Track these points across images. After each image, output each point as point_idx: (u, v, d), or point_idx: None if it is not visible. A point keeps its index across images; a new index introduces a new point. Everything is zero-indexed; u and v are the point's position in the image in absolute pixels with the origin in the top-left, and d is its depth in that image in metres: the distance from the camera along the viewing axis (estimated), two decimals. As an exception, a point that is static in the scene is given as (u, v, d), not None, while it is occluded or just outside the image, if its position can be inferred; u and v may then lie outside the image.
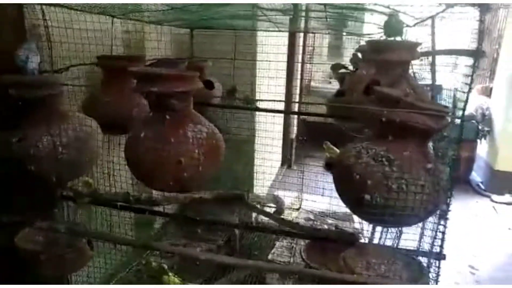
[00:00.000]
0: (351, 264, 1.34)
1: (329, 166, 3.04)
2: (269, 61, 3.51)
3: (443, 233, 1.12)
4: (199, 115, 1.39)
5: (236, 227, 2.78)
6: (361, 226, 3.32)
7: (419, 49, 1.65)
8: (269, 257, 2.78)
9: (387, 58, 1.65)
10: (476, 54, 1.00)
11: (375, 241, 2.27)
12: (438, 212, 1.14)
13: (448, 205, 1.11)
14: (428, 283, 1.23)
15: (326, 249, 2.67)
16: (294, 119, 6.30)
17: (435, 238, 1.17)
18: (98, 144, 1.58)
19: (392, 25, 1.60)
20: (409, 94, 1.20)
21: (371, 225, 3.07)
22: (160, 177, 1.25)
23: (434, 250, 1.18)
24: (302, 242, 2.80)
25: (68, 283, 1.87)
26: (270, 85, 3.78)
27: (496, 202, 5.09)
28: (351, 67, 2.96)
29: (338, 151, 3.00)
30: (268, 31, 3.44)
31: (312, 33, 3.80)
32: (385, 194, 1.08)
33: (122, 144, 2.47)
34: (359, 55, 2.80)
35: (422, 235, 1.35)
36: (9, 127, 1.39)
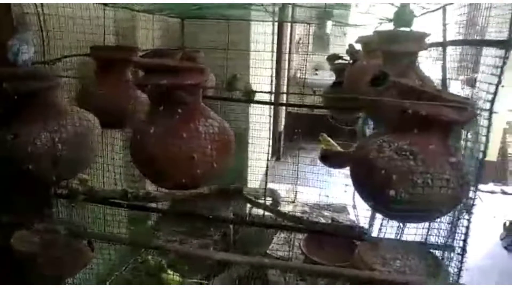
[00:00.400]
0: (367, 260, 1.31)
1: (325, 158, 3.02)
2: (262, 51, 3.44)
3: (467, 227, 1.10)
4: (209, 108, 1.32)
5: (235, 222, 2.74)
6: (357, 218, 3.33)
7: (427, 40, 1.62)
8: (268, 251, 2.75)
9: (396, 49, 1.62)
10: (507, 44, 0.97)
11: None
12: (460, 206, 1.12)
13: (473, 199, 1.08)
14: (447, 278, 1.22)
15: (324, 242, 2.67)
16: (282, 111, 6.27)
17: (455, 232, 1.14)
18: (97, 139, 1.49)
19: (403, 16, 1.56)
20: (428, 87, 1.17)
21: (367, 218, 3.08)
22: (171, 174, 1.18)
23: (456, 245, 1.16)
24: (300, 235, 2.78)
25: (65, 283, 1.79)
26: (262, 76, 3.72)
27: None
28: (346, 58, 2.94)
29: (334, 143, 2.98)
30: (257, 21, 3.36)
31: (306, 23, 3.73)
32: (410, 189, 1.05)
33: (116, 138, 2.42)
34: (356, 46, 2.78)
35: (437, 228, 1.33)
36: (3, 123, 1.29)
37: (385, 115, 1.39)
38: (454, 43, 1.55)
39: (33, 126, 1.29)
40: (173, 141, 1.16)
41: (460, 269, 1.14)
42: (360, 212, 3.45)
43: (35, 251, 1.38)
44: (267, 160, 2.80)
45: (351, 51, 2.77)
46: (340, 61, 2.96)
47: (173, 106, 1.20)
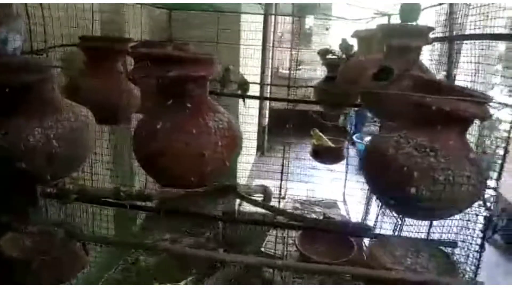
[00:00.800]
0: (379, 258, 1.28)
1: (316, 153, 3.00)
2: (252, 44, 3.38)
3: (486, 224, 1.09)
4: (216, 102, 1.26)
5: (229, 221, 2.67)
6: (348, 214, 3.33)
7: (431, 34, 1.60)
8: (262, 248, 2.71)
9: (401, 43, 1.59)
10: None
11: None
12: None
13: (496, 196, 1.07)
14: (458, 276, 1.21)
15: (318, 238, 2.65)
16: (266, 106, 6.23)
17: (471, 229, 1.13)
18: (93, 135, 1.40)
19: (409, 10, 1.54)
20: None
21: (360, 213, 3.09)
22: (180, 173, 1.11)
23: (474, 242, 1.14)
24: (294, 232, 2.75)
25: None
26: (252, 68, 3.67)
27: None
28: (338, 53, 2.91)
29: (326, 138, 2.96)
30: (245, 13, 3.30)
31: (291, 16, 3.69)
32: (431, 186, 1.02)
33: (105, 132, 2.31)
34: (349, 41, 2.76)
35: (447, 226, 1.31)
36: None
37: (395, 110, 1.36)
38: (460, 37, 1.54)
39: (26, 121, 1.19)
40: (182, 137, 1.09)
41: (477, 267, 1.13)
42: (350, 207, 3.46)
43: (28, 256, 1.28)
44: (249, 154, 2.76)
45: (344, 45, 2.75)
46: (331, 56, 2.94)
47: (181, 99, 1.13)
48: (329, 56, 2.96)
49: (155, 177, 1.21)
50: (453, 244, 1.53)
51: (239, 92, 2.38)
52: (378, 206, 2.42)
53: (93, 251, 1.97)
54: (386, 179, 1.11)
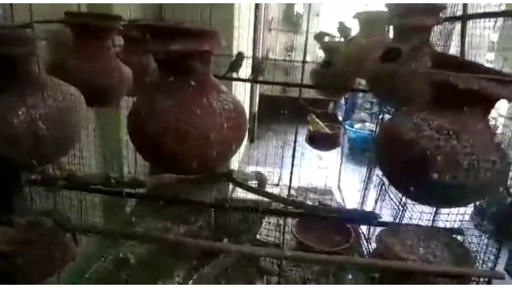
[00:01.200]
0: (391, 246, 1.22)
1: (312, 139, 2.93)
2: (245, 28, 3.25)
3: (508, 211, 1.03)
4: (218, 81, 1.16)
5: (222, 208, 2.59)
6: (343, 201, 3.29)
7: (442, 14, 1.53)
8: (258, 236, 2.64)
9: (410, 23, 1.51)
10: None
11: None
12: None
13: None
14: (474, 265, 1.15)
15: (315, 225, 2.59)
16: (257, 92, 6.13)
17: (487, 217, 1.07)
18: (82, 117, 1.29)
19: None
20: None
21: (356, 201, 3.04)
22: (182, 157, 1.01)
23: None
24: (290, 219, 2.69)
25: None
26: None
27: None
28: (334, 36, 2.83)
29: (322, 124, 2.89)
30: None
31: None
32: (455, 172, 0.95)
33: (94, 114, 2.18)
34: (347, 23, 2.66)
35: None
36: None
37: (410, 91, 1.29)
38: (473, 16, 1.46)
39: (9, 100, 1.07)
40: (185, 118, 0.99)
41: (497, 256, 1.08)
42: (345, 194, 3.42)
43: (15, 248, 1.17)
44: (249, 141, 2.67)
45: (341, 28, 2.66)
46: (329, 39, 2.84)
47: (183, 77, 1.03)
48: (326, 39, 2.87)
49: (154, 163, 1.11)
50: (460, 231, 1.49)
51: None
52: (376, 193, 2.38)
53: (82, 241, 1.87)
54: (404, 165, 1.03)
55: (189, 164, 1.03)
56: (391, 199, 2.13)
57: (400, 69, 1.51)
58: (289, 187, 2.96)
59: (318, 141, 2.83)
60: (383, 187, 2.27)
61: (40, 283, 1.26)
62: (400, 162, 1.04)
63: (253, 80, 2.56)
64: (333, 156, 4.35)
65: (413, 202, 1.90)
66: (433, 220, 1.64)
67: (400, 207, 2.00)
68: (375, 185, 2.51)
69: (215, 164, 1.08)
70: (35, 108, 1.10)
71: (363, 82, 3.15)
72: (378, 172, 2.57)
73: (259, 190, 2.24)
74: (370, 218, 1.55)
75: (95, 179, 1.72)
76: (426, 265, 1.05)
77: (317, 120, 2.85)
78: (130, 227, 2.67)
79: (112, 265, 2.22)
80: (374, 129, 5.71)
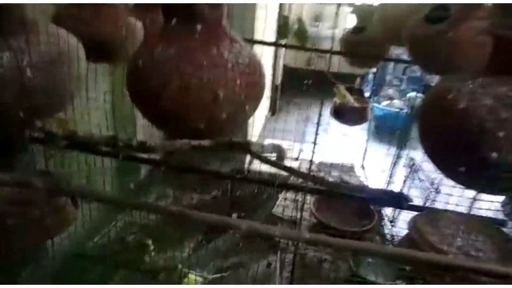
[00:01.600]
0: (426, 235, 1.05)
1: (338, 112, 2.72)
2: None
3: None
4: (232, 31, 0.98)
5: (240, 180, 2.47)
6: (366, 180, 3.11)
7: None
8: (273, 210, 2.51)
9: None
10: None
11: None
12: None
13: None
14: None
15: (335, 204, 2.43)
16: (280, 64, 5.87)
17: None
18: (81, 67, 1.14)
19: None
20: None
21: (380, 180, 2.85)
22: (186, 117, 0.86)
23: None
24: (309, 196, 2.54)
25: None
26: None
27: None
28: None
29: (350, 97, 2.67)
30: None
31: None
32: (520, 150, 0.76)
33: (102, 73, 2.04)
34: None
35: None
36: None
37: (463, 55, 1.08)
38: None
39: (-9, 42, 0.93)
40: (189, 70, 0.83)
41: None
42: (369, 173, 3.23)
43: (5, 209, 1.07)
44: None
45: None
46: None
47: (188, 20, 0.85)
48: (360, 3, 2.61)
49: (154, 122, 0.97)
50: (502, 222, 1.30)
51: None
52: (406, 174, 2.18)
53: (88, 205, 1.78)
54: (455, 140, 0.84)
55: (194, 126, 0.87)
56: (422, 180, 1.94)
57: (448, 30, 1.28)
58: (311, 162, 2.79)
59: (344, 115, 2.62)
60: (413, 167, 2.08)
61: (32, 246, 1.16)
62: (449, 137, 0.85)
63: (279, 44, 2.35)
64: (358, 133, 4.14)
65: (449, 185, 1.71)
66: (471, 207, 1.44)
67: (431, 189, 1.80)
68: (404, 165, 2.31)
69: (225, 128, 0.92)
70: (21, 52, 0.96)
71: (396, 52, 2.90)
72: (408, 151, 2.37)
73: (278, 163, 2.09)
74: (401, 201, 1.37)
75: (100, 140, 1.60)
76: (472, 261, 0.89)
77: (345, 91, 2.64)
78: (142, 193, 2.59)
79: (121, 231, 2.15)
80: (402, 106, 5.44)
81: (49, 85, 1.00)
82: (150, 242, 1.78)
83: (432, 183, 1.81)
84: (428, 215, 1.14)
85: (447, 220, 1.13)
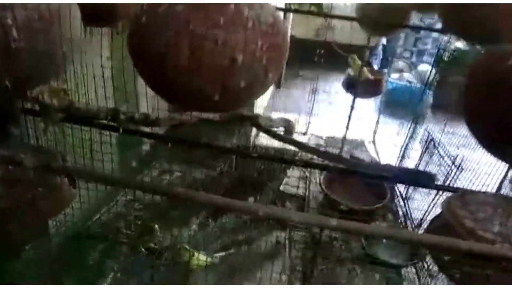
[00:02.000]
0: (461, 218, 0.95)
1: (351, 84, 2.58)
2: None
3: None
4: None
5: (246, 154, 2.36)
6: (377, 155, 3.00)
7: None
8: (282, 187, 2.42)
9: None
10: None
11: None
12: None
13: None
14: None
15: (345, 180, 2.33)
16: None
17: None
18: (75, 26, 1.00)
19: None
20: None
21: (391, 156, 2.74)
22: (197, 85, 0.73)
23: None
24: (317, 172, 2.45)
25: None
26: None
27: None
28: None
29: (365, 68, 2.52)
30: None
31: None
32: None
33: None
34: None
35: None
36: None
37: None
38: None
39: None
40: (202, 30, 0.69)
41: None
42: (380, 149, 3.12)
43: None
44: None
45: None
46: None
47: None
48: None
49: (159, 92, 0.84)
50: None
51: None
52: (423, 149, 2.06)
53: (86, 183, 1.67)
54: (506, 111, 0.72)
55: (206, 96, 0.74)
56: (441, 157, 1.82)
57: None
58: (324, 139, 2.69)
59: (359, 87, 2.48)
60: (432, 143, 1.95)
61: (25, 231, 1.07)
62: (498, 109, 0.73)
63: (289, 9, 2.18)
64: (366, 107, 4.00)
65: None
66: (500, 186, 1.34)
67: (453, 167, 1.69)
68: (420, 141, 2.18)
69: (242, 98, 0.80)
70: (6, 11, 0.82)
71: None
72: (424, 125, 2.24)
73: (288, 138, 1.98)
74: (425, 179, 1.26)
75: (99, 113, 1.47)
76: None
77: (359, 61, 2.48)
78: (145, 168, 2.49)
79: (123, 208, 2.06)
80: (412, 80, 5.25)
81: (38, 47, 0.87)
82: (157, 226, 1.68)
83: (453, 160, 1.69)
84: (461, 196, 1.03)
85: (481, 202, 1.02)
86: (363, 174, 1.46)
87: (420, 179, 1.28)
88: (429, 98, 2.49)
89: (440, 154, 1.81)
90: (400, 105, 3.57)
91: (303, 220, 0.85)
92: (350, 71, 2.50)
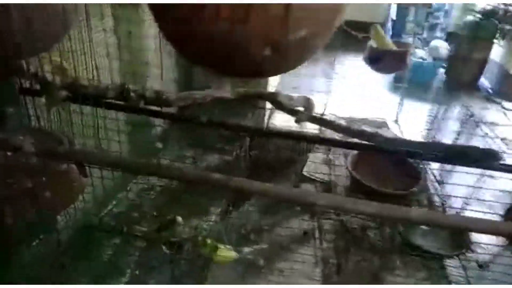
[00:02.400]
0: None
1: (374, 58, 2.38)
2: None
3: None
4: None
5: (265, 135, 2.19)
6: (401, 133, 2.82)
7: None
8: (304, 171, 2.25)
9: None
10: None
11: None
12: None
13: None
14: None
15: (374, 161, 2.16)
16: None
17: None
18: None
19: None
20: None
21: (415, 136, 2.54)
22: (242, 40, 0.56)
23: None
24: (341, 154, 2.28)
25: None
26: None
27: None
28: None
29: (389, 40, 2.32)
30: None
31: None
32: None
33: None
34: None
35: None
36: None
37: None
38: None
39: None
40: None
41: None
42: (404, 128, 2.93)
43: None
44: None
45: None
46: None
47: None
48: None
49: (193, 55, 0.66)
50: None
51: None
52: (459, 127, 1.88)
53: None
54: None
55: (253, 53, 0.57)
56: (486, 135, 1.64)
57: None
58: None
59: (382, 60, 2.28)
60: (473, 120, 1.77)
61: (22, 228, 0.91)
62: None
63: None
64: (378, 85, 3.84)
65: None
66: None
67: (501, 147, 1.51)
68: (457, 119, 1.99)
69: (298, 56, 0.62)
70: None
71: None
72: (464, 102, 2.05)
73: (319, 117, 1.80)
74: (487, 158, 1.09)
75: (108, 91, 1.30)
76: None
77: (383, 33, 2.27)
78: (156, 152, 2.33)
79: (136, 196, 1.90)
80: (425, 56, 5.01)
81: (34, 13, 0.70)
82: (180, 219, 1.52)
83: (503, 139, 1.51)
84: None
85: None
86: (408, 153, 1.29)
87: (480, 157, 1.10)
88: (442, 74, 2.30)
89: (485, 133, 1.63)
90: (412, 82, 3.40)
91: (334, 204, 0.68)
92: (372, 43, 2.29)
